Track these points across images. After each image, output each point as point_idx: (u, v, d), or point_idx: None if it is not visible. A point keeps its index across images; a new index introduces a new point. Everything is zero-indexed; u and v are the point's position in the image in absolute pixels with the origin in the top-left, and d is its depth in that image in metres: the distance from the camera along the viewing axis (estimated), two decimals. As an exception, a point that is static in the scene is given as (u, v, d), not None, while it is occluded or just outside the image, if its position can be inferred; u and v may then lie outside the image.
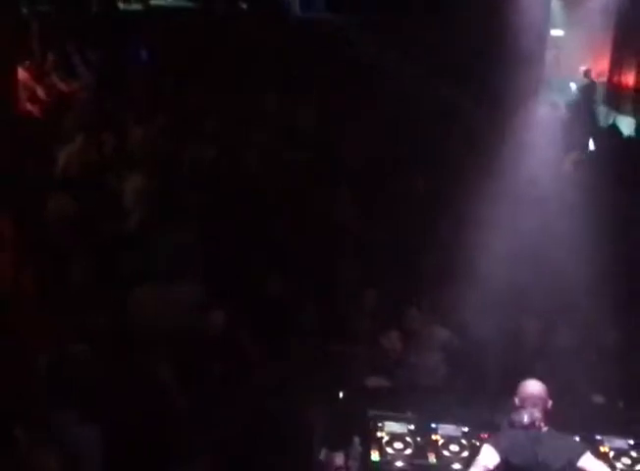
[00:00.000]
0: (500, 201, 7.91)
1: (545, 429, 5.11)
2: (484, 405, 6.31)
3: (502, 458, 4.99)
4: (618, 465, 5.91)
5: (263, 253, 7.66)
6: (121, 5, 14.77)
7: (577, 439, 5.44)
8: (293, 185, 8.83)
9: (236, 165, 9.16)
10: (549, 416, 5.15)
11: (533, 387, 5.22)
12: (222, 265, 7.40)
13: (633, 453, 6.01)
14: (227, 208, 8.20)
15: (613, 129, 11.58)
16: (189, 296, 6.87)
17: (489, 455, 5.03)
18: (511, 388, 5.36)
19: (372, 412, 6.11)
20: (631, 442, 6.10)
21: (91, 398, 5.30)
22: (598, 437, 6.07)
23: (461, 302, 6.92)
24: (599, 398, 6.69)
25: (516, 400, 5.20)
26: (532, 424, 5.06)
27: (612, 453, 5.98)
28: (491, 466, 4.99)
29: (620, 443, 6.08)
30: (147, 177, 8.59)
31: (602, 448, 6.02)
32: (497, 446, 5.06)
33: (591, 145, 11.61)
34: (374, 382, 6.68)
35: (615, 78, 13.25)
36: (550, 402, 5.17)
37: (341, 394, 6.23)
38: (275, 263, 7.61)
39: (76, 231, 7.54)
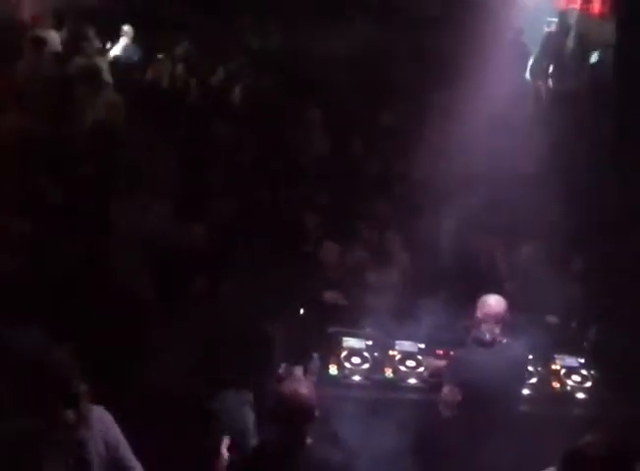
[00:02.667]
0: (463, 127, 7.90)
1: (504, 341, 5.24)
2: (440, 322, 6.43)
3: (464, 377, 5.11)
4: (569, 382, 6.12)
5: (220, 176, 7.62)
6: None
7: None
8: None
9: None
10: (507, 328, 5.28)
11: (493, 304, 5.27)
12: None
13: (583, 371, 6.23)
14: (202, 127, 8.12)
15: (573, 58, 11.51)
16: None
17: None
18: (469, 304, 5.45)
19: (331, 328, 6.22)
20: (582, 360, 6.31)
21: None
22: (550, 355, 6.27)
23: (424, 223, 6.94)
24: (553, 319, 6.83)
25: (478, 316, 5.27)
26: (493, 340, 5.20)
27: (563, 371, 6.21)
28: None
29: (571, 361, 6.30)
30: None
31: (554, 366, 6.23)
32: (459, 365, 5.20)
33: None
34: (330, 296, 6.73)
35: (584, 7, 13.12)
36: (508, 315, 5.26)
37: (301, 311, 6.29)
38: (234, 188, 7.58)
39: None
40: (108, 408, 3.80)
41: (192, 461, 5.21)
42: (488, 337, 5.20)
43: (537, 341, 6.20)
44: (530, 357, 5.59)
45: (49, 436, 3.49)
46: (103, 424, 3.67)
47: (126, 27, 10.54)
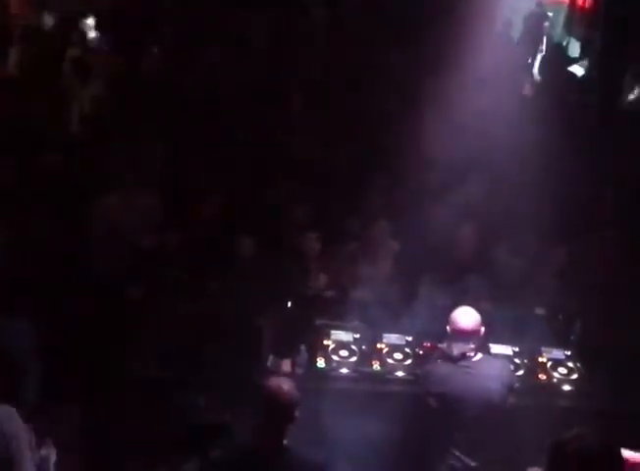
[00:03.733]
0: (451, 120, 7.89)
1: (477, 357, 5.11)
2: (427, 315, 6.45)
3: (432, 391, 5.07)
4: (555, 374, 6.15)
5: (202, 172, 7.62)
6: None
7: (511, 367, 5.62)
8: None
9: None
10: (483, 343, 5.22)
11: (465, 321, 5.07)
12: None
13: (569, 363, 6.26)
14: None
15: (558, 49, 11.52)
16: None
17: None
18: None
19: (319, 321, 6.22)
20: (568, 352, 6.35)
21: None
22: (537, 347, 6.30)
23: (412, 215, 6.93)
24: (540, 311, 6.86)
25: (448, 330, 5.13)
26: (462, 355, 5.06)
27: (549, 363, 6.24)
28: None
29: (558, 353, 6.33)
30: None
31: (540, 358, 6.26)
32: (429, 378, 5.15)
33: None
34: (317, 289, 6.75)
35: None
36: (482, 330, 5.11)
37: (288, 304, 6.30)
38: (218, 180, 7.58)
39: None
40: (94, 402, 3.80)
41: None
42: (455, 352, 5.06)
43: (523, 333, 6.29)
44: (508, 374, 5.37)
45: None
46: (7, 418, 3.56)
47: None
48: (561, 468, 3.32)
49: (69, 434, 4.91)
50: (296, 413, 3.98)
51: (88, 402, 5.33)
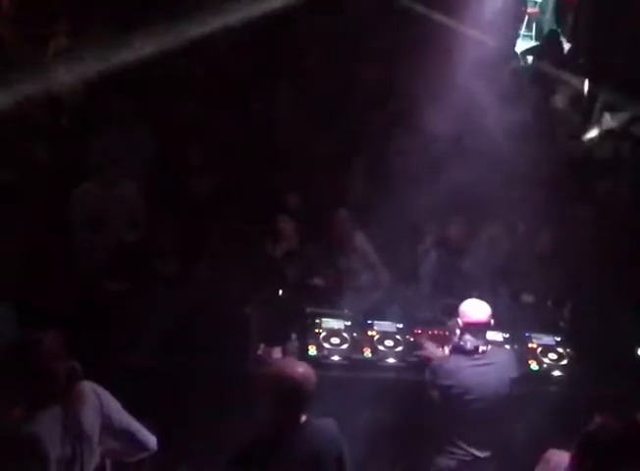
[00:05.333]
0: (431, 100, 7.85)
1: (487, 348, 5.07)
2: (417, 303, 6.48)
3: (442, 384, 4.99)
4: (545, 360, 6.19)
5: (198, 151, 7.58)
6: None
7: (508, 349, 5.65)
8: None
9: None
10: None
11: (477, 314, 5.03)
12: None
13: (559, 349, 6.30)
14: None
15: (553, 36, 11.50)
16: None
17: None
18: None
19: (310, 309, 6.23)
20: (558, 338, 6.38)
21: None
22: (527, 334, 6.34)
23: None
24: (528, 297, 6.89)
25: (459, 323, 5.07)
26: (475, 349, 5.02)
27: (539, 349, 6.27)
28: None
29: (548, 339, 6.36)
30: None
31: (530, 345, 6.29)
32: (439, 371, 5.04)
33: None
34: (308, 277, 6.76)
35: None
36: (492, 321, 5.08)
37: (280, 292, 6.30)
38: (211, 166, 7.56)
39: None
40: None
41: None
42: (469, 345, 5.01)
43: (513, 320, 6.32)
44: (514, 364, 5.32)
45: (46, 408, 3.50)
46: (96, 397, 3.68)
47: None
48: (597, 457, 3.46)
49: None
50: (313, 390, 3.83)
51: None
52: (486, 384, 4.97)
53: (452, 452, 5.02)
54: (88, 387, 3.68)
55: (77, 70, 8.04)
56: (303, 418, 3.84)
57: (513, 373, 5.16)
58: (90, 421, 3.60)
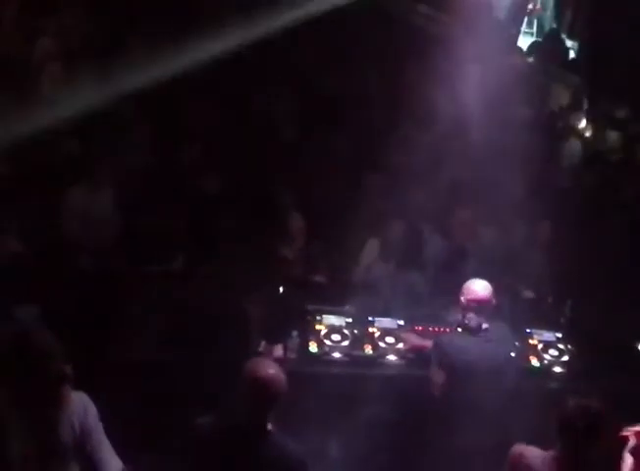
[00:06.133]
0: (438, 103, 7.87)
1: (488, 326, 5.14)
2: (419, 300, 6.47)
3: (448, 363, 5.06)
4: (546, 356, 6.20)
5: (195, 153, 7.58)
6: None
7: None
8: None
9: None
10: (492, 313, 5.22)
11: (480, 291, 5.13)
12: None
13: (560, 345, 6.30)
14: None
15: (553, 33, 11.52)
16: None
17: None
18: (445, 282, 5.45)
19: (311, 306, 6.23)
20: (558, 335, 6.39)
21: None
22: (528, 330, 6.35)
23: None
24: (529, 294, 6.90)
25: (463, 301, 5.15)
26: (479, 327, 5.11)
27: (540, 345, 6.28)
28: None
29: (549, 335, 6.37)
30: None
31: (531, 341, 6.30)
32: (447, 348, 5.12)
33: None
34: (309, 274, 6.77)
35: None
36: (493, 300, 5.16)
37: (280, 288, 6.31)
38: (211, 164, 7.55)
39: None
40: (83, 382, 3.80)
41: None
42: (473, 323, 5.09)
43: (514, 316, 6.32)
44: (512, 340, 5.47)
45: (22, 410, 3.48)
46: (83, 408, 3.64)
47: None
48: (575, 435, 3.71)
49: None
50: (281, 396, 3.86)
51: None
52: (491, 359, 5.06)
53: (451, 444, 5.03)
54: (78, 396, 3.64)
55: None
56: (269, 426, 3.85)
57: (512, 349, 5.28)
58: (67, 430, 3.55)
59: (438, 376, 5.10)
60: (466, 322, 5.13)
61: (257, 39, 7.48)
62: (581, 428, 3.70)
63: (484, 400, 4.98)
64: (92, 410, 3.67)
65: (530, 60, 10.59)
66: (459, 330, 5.22)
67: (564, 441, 3.77)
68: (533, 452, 3.88)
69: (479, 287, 5.15)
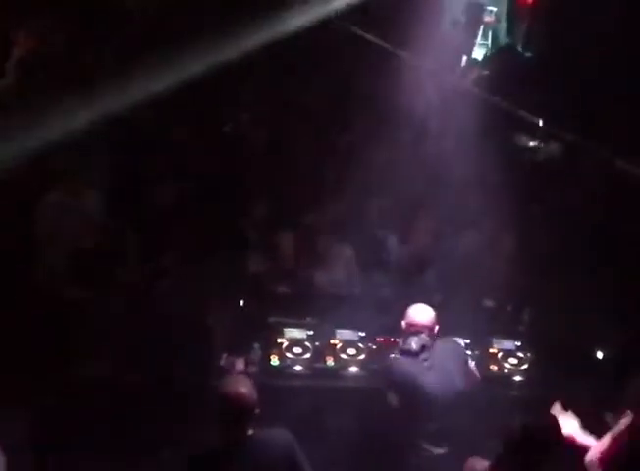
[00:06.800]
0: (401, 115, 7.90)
1: (432, 347, 5.11)
2: (380, 310, 6.49)
3: (395, 387, 5.06)
4: (506, 365, 6.25)
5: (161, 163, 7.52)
6: None
7: (462, 343, 5.66)
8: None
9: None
10: (436, 335, 5.19)
11: (420, 315, 5.15)
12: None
13: (520, 354, 6.37)
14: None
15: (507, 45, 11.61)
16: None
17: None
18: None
19: (272, 318, 6.23)
20: (518, 343, 6.45)
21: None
22: (488, 339, 6.39)
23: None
24: (489, 302, 6.95)
25: (404, 325, 5.18)
26: (422, 348, 5.09)
27: (500, 354, 6.35)
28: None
29: (508, 344, 6.43)
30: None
31: (491, 350, 6.36)
32: (390, 372, 5.12)
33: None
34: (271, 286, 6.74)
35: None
36: (437, 327, 5.16)
37: (242, 302, 6.29)
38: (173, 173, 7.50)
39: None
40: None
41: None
42: (414, 347, 5.09)
43: (474, 325, 6.36)
44: (467, 353, 5.51)
45: None
46: None
47: None
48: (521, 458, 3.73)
49: (19, 434, 4.88)
50: (257, 410, 4.06)
51: (38, 402, 5.30)
52: (437, 381, 5.01)
53: (412, 453, 5.06)
54: None
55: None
56: (250, 431, 4.05)
57: (459, 366, 5.19)
58: None
59: (391, 398, 5.08)
60: (406, 346, 5.11)
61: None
62: (525, 451, 3.74)
63: (436, 416, 5.01)
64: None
65: (485, 72, 10.67)
66: (400, 354, 5.17)
67: (510, 461, 3.79)
68: (486, 466, 3.91)
69: (418, 312, 5.16)
